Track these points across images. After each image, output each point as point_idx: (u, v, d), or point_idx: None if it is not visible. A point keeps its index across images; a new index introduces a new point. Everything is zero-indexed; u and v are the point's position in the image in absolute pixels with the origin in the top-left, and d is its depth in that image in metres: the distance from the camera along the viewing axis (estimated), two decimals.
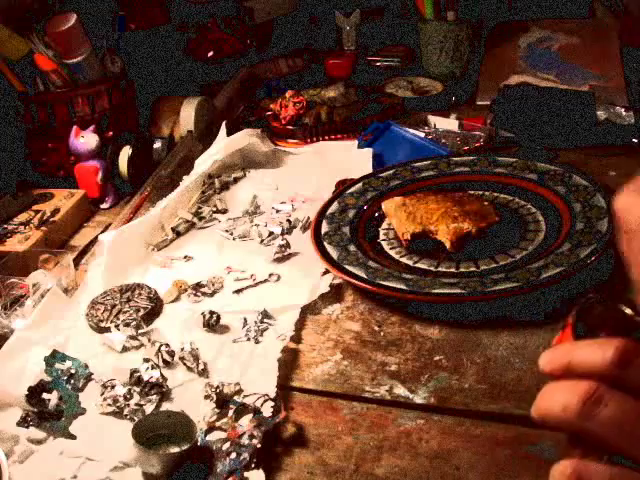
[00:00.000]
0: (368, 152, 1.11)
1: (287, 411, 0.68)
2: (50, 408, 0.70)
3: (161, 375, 0.73)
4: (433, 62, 1.45)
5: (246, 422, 0.66)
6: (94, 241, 1.00)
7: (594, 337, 0.38)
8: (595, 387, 0.35)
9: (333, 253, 0.88)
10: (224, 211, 1.06)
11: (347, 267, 0.85)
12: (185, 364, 0.75)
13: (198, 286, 0.87)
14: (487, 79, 1.40)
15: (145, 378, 0.72)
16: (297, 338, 0.78)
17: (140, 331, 0.80)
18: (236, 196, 1.09)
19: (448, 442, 0.63)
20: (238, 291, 0.87)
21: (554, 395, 0.37)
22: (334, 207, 0.98)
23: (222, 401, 0.69)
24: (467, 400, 0.67)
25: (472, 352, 0.73)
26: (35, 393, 0.71)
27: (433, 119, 1.25)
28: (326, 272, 0.88)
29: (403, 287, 0.79)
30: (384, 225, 0.96)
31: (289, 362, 0.75)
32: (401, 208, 0.93)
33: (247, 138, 1.16)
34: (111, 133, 1.16)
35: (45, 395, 0.71)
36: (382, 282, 0.81)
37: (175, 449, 0.65)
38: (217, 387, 0.69)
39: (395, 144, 1.15)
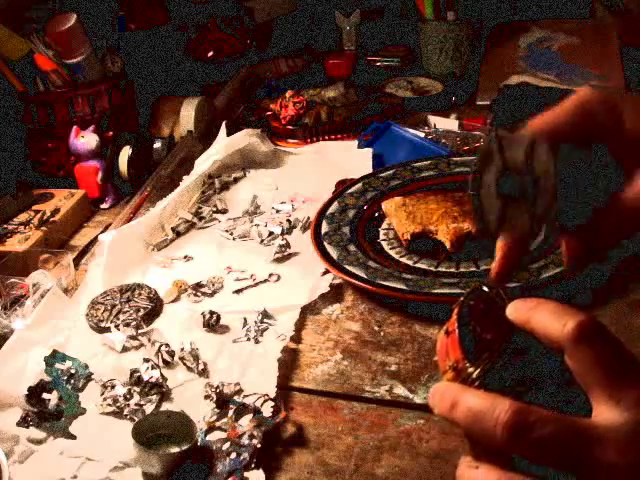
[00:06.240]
0: (368, 152, 1.11)
1: (287, 411, 0.68)
2: (50, 408, 0.70)
3: (161, 375, 0.73)
4: (433, 62, 1.45)
5: (246, 422, 0.66)
6: (94, 241, 1.00)
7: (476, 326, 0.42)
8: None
9: (333, 253, 0.88)
10: (224, 211, 1.05)
11: (347, 267, 0.85)
12: (185, 364, 0.75)
13: (198, 286, 0.87)
14: (487, 79, 1.40)
15: (145, 378, 0.72)
16: (297, 338, 0.78)
17: (140, 331, 0.80)
18: (236, 196, 1.09)
19: (448, 442, 0.63)
20: (238, 291, 0.87)
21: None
22: (334, 207, 0.98)
23: (222, 401, 0.69)
24: None
25: None
26: (35, 393, 0.71)
27: (433, 119, 1.25)
28: (326, 272, 0.88)
29: (403, 287, 0.79)
30: (384, 225, 0.96)
31: (289, 362, 0.75)
32: (401, 208, 0.93)
33: (247, 138, 1.16)
34: (111, 133, 1.16)
35: (45, 395, 0.71)
36: (382, 282, 0.81)
37: (175, 449, 0.65)
38: (217, 387, 0.69)
39: (395, 144, 1.15)
